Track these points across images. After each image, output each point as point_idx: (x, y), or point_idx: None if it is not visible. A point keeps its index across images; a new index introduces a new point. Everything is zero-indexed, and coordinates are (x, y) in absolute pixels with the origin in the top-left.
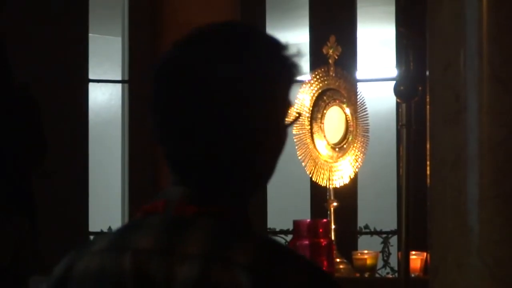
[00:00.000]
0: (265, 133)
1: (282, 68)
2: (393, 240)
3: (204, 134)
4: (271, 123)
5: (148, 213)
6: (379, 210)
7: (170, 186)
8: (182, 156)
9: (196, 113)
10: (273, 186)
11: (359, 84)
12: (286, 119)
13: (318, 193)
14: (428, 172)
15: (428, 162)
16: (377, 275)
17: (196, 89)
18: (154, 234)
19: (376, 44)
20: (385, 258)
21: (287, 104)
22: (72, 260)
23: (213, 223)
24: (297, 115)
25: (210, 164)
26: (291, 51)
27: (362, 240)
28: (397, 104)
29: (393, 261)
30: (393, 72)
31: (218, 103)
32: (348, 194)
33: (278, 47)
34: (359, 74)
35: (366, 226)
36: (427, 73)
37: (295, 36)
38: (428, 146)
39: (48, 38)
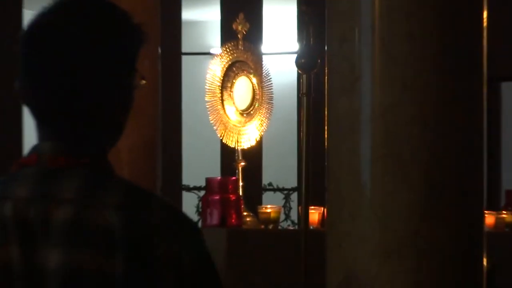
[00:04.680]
0: (124, 89)
1: (136, 36)
2: (294, 196)
3: (68, 92)
4: (126, 81)
5: (23, 166)
6: (281, 169)
7: (40, 141)
8: (50, 113)
9: (58, 74)
10: (187, 147)
11: (264, 57)
12: (133, 81)
13: (227, 153)
14: (326, 136)
15: (326, 127)
16: (279, 227)
17: (57, 52)
18: (30, 184)
19: (281, 21)
20: (287, 212)
21: (134, 68)
22: None
23: (83, 172)
24: (142, 79)
25: (76, 119)
26: (136, 20)
27: (266, 196)
28: (299, 75)
29: (294, 215)
30: (295, 46)
31: (75, 64)
32: (254, 155)
33: (126, 16)
34: (264, 48)
35: (270, 184)
36: (326, 47)
37: (207, 13)
38: (326, 112)
39: None
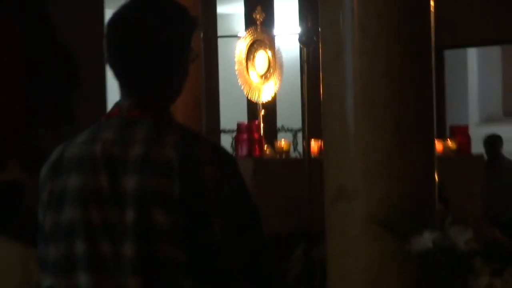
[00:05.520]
0: (182, 63)
1: (190, 22)
2: (299, 134)
3: (144, 63)
4: (182, 58)
5: (109, 117)
6: (290, 115)
7: (121, 98)
8: (130, 78)
9: (138, 50)
10: (223, 102)
11: (276, 37)
12: (190, 57)
13: (252, 105)
14: (321, 91)
15: (321, 86)
16: (290, 157)
17: (138, 34)
18: (114, 130)
19: (287, 9)
20: (294, 146)
21: (191, 48)
22: (63, 149)
23: (151, 121)
24: (196, 56)
25: (148, 82)
26: (192, 13)
27: (280, 135)
28: (300, 49)
29: (299, 148)
30: (298, 28)
31: (151, 43)
32: (270, 106)
33: (185, 9)
34: (276, 31)
35: (282, 126)
36: (319, 28)
37: (234, 7)
38: (320, 74)
39: None
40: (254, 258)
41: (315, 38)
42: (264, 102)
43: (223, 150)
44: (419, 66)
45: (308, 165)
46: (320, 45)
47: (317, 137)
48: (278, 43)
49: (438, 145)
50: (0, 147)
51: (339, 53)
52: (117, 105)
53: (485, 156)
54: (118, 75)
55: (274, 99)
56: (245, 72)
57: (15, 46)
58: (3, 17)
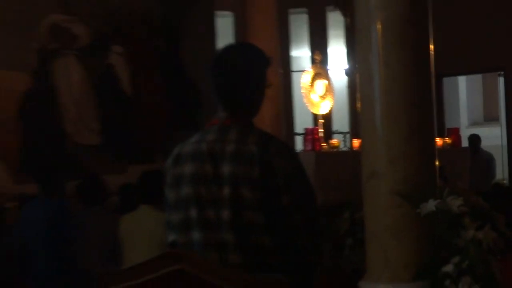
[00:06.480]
0: (261, 89)
1: (266, 62)
2: (347, 135)
3: (234, 90)
4: (262, 85)
5: (211, 124)
6: (341, 121)
7: (220, 112)
8: (225, 99)
9: (233, 81)
10: (296, 115)
11: (329, 71)
12: (266, 84)
13: (314, 116)
14: (358, 107)
15: (359, 104)
16: (340, 150)
17: (234, 70)
18: (215, 133)
19: (338, 52)
20: (344, 143)
21: (267, 78)
22: (181, 146)
23: (239, 127)
24: (270, 84)
25: (237, 102)
26: (267, 55)
27: (334, 136)
28: (346, 78)
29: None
30: (344, 64)
31: (242, 75)
32: (327, 116)
33: (263, 53)
34: (329, 66)
35: (336, 130)
36: (356, 64)
37: (301, 51)
38: (358, 94)
39: None
40: (310, 218)
41: (354, 70)
42: (322, 114)
43: (288, 146)
44: (424, 88)
45: (352, 156)
46: (357, 75)
47: (357, 137)
48: (331, 74)
49: (439, 141)
50: (151, 145)
51: (370, 80)
52: (217, 116)
53: (469, 149)
54: (218, 97)
55: (329, 112)
56: (309, 94)
57: (161, 82)
58: (152, 65)
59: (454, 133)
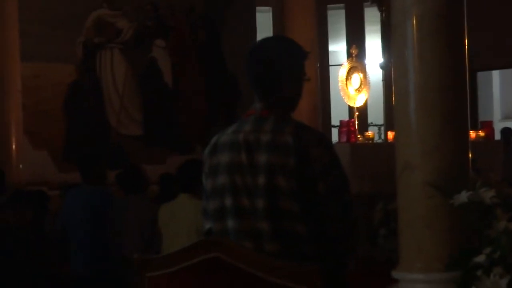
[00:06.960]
0: (298, 82)
1: (303, 55)
2: (382, 128)
3: (274, 81)
4: (300, 79)
5: (248, 115)
6: (376, 114)
7: (257, 103)
8: (262, 91)
9: (269, 71)
10: (332, 108)
11: (366, 65)
12: (304, 78)
13: (350, 109)
14: (393, 99)
15: (393, 95)
16: (375, 142)
17: (270, 60)
18: (252, 123)
19: (374, 46)
20: (378, 135)
21: (304, 72)
22: (218, 136)
23: (275, 118)
24: (308, 78)
25: (275, 93)
26: (304, 49)
27: (369, 128)
28: (381, 71)
29: (382, 136)
30: (380, 58)
31: (278, 66)
32: (362, 109)
33: (300, 46)
34: (365, 60)
35: (371, 122)
36: (392, 58)
37: (338, 46)
38: (393, 87)
39: None
40: (344, 207)
41: (390, 64)
42: (358, 106)
43: (324, 136)
44: (458, 82)
45: (386, 148)
46: (392, 69)
47: (392, 129)
48: (367, 68)
49: (472, 134)
50: (192, 137)
51: (405, 73)
52: (253, 107)
53: (502, 142)
54: (254, 87)
55: (365, 104)
56: (345, 87)
57: (202, 75)
58: (193, 58)
59: (487, 126)
